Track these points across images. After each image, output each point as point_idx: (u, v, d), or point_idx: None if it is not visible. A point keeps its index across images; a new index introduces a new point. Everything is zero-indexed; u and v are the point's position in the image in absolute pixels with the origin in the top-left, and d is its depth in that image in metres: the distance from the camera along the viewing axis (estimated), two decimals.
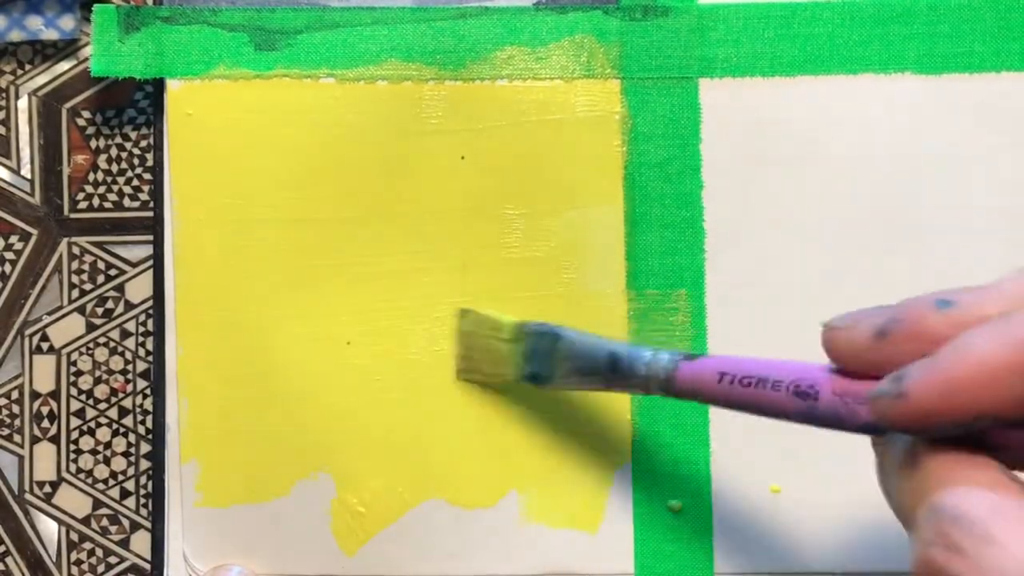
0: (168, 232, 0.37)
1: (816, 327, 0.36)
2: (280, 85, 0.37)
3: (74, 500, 0.37)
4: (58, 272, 0.38)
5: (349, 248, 0.36)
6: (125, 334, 0.38)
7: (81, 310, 0.38)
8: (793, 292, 0.36)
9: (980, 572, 0.19)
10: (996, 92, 0.36)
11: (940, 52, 0.36)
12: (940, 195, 0.36)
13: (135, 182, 0.38)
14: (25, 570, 0.37)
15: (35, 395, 0.38)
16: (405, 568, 0.36)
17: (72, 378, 0.38)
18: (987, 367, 0.20)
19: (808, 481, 0.35)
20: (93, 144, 0.38)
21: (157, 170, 0.37)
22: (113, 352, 0.38)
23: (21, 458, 0.38)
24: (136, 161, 0.38)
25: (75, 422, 0.37)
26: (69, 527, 0.37)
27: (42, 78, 0.38)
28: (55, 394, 0.38)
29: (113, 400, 0.37)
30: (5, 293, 0.38)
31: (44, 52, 0.38)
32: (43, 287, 0.38)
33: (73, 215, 0.38)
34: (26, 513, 0.37)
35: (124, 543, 0.37)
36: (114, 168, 0.38)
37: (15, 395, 0.38)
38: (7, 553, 0.37)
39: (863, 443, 0.35)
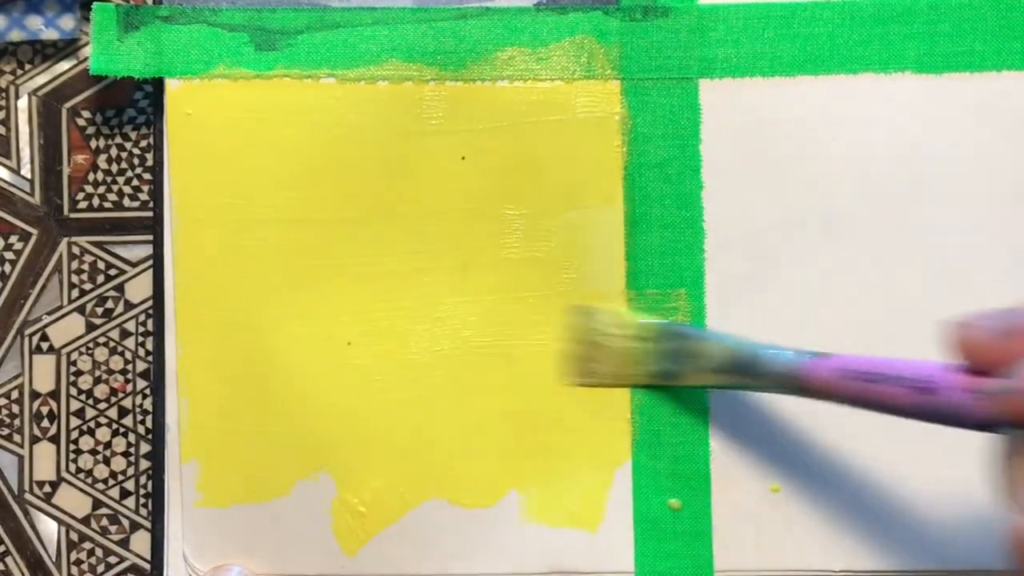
0: (168, 232, 0.37)
1: (816, 326, 0.36)
2: (280, 85, 0.37)
3: (74, 500, 0.37)
4: (58, 272, 0.38)
5: (349, 248, 0.36)
6: (125, 334, 0.38)
7: (81, 310, 0.38)
8: (793, 292, 0.36)
9: None
10: (997, 91, 0.36)
11: (940, 51, 0.36)
12: (940, 194, 0.36)
13: (135, 182, 0.38)
14: (25, 570, 0.37)
15: (35, 395, 0.38)
16: (405, 568, 0.36)
17: (72, 378, 0.38)
18: None
19: (808, 481, 0.35)
20: (93, 144, 0.38)
21: (157, 170, 0.37)
22: (113, 352, 0.38)
23: (21, 458, 0.38)
24: (136, 161, 0.38)
25: (75, 422, 0.37)
26: (69, 527, 0.37)
27: (42, 78, 0.38)
28: (55, 394, 0.38)
29: (113, 400, 0.37)
30: (5, 293, 0.38)
31: (44, 52, 0.38)
32: (43, 287, 0.38)
33: (73, 215, 0.38)
34: (26, 513, 0.37)
35: (124, 543, 0.37)
36: (114, 168, 0.38)
37: (15, 395, 0.38)
38: (7, 553, 0.37)
39: (863, 443, 0.35)
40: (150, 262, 0.37)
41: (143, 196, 0.38)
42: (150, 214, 0.38)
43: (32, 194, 0.38)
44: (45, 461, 0.37)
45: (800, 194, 0.36)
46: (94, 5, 0.36)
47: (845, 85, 0.36)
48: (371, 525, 0.36)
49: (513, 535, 0.36)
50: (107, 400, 0.37)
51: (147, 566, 0.37)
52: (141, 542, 0.37)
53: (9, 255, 0.38)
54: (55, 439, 0.37)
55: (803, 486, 0.35)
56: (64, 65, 0.38)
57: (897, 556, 0.35)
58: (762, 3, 0.37)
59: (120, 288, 0.38)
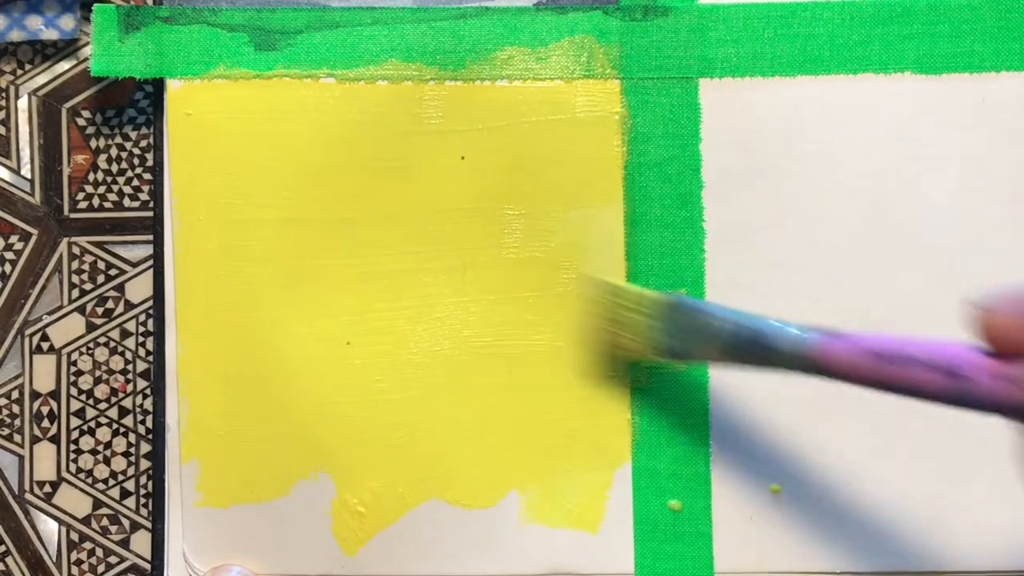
0: (168, 232, 0.37)
1: (812, 322, 0.36)
2: (280, 85, 0.37)
3: (74, 500, 0.37)
4: (58, 272, 0.38)
5: (349, 248, 0.36)
6: (125, 334, 0.38)
7: (81, 310, 0.38)
8: (793, 291, 0.36)
9: None
10: (996, 91, 0.36)
11: (940, 52, 0.36)
12: (940, 194, 0.36)
13: (135, 182, 0.38)
14: (25, 570, 0.37)
15: (35, 395, 0.38)
16: (405, 568, 0.36)
17: (72, 378, 0.38)
18: None
19: (808, 481, 0.35)
20: (93, 144, 0.38)
21: (157, 170, 0.37)
22: (113, 352, 0.38)
23: (21, 458, 0.38)
24: (136, 161, 0.38)
25: (75, 422, 0.37)
26: (69, 527, 0.37)
27: (42, 78, 0.38)
28: (55, 394, 0.38)
29: (113, 400, 0.37)
30: (5, 293, 0.38)
31: (44, 52, 0.38)
32: (43, 287, 0.38)
33: (73, 215, 0.38)
34: (26, 513, 0.37)
35: (124, 543, 0.37)
36: (114, 168, 0.38)
37: (15, 395, 0.38)
38: (7, 553, 0.37)
39: (864, 443, 0.35)
40: (150, 262, 0.37)
41: (143, 196, 0.38)
42: (150, 214, 0.38)
43: (32, 194, 0.38)
44: (45, 461, 0.37)
45: (800, 194, 0.36)
46: (95, 6, 0.36)
47: (845, 85, 0.36)
48: (371, 525, 0.36)
49: (513, 535, 0.36)
50: (107, 400, 0.37)
51: (147, 566, 0.37)
52: (141, 542, 0.37)
53: (9, 255, 0.38)
54: (55, 439, 0.37)
55: (803, 486, 0.35)
56: (64, 65, 0.38)
57: (897, 556, 0.35)
58: (762, 3, 0.37)
59: (120, 288, 0.38)
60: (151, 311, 0.37)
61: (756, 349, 0.30)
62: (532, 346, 0.36)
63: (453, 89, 0.37)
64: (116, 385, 0.38)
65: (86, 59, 0.38)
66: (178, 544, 0.36)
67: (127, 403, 0.37)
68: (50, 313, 0.38)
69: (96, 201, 0.38)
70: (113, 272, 0.38)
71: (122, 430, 0.37)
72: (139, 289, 0.38)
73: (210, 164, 0.36)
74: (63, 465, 0.37)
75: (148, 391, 0.37)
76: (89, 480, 0.37)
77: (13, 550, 0.37)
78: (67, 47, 0.38)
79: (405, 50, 0.37)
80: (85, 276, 0.38)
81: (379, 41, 0.37)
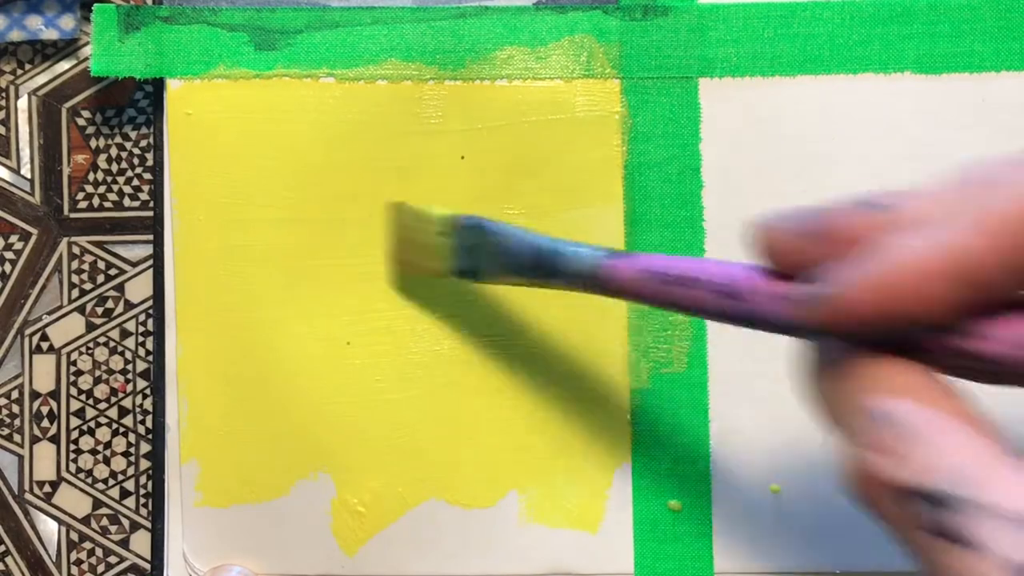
0: (168, 232, 0.37)
1: None
2: (280, 85, 0.37)
3: (74, 500, 0.37)
4: (58, 272, 0.38)
5: (349, 248, 0.36)
6: (125, 334, 0.38)
7: (81, 310, 0.38)
8: None
9: (912, 472, 0.19)
10: (997, 91, 0.36)
11: (940, 52, 0.36)
12: None
13: (135, 182, 0.38)
14: (25, 570, 0.37)
15: (35, 395, 0.38)
16: (405, 568, 0.36)
17: (72, 378, 0.38)
18: (917, 271, 0.20)
19: (808, 481, 0.35)
20: (93, 144, 0.38)
21: (157, 170, 0.37)
22: (113, 352, 0.38)
23: (21, 458, 0.38)
24: (136, 161, 0.38)
25: (75, 422, 0.37)
26: (69, 527, 0.37)
27: (42, 78, 0.38)
28: (55, 394, 0.38)
29: (113, 400, 0.37)
30: (5, 293, 0.38)
31: (44, 52, 0.38)
32: (43, 287, 0.38)
33: (73, 215, 0.38)
34: (26, 513, 0.37)
35: (124, 543, 0.37)
36: (114, 168, 0.38)
37: (15, 395, 0.38)
38: (7, 553, 0.37)
39: None
40: (150, 262, 0.37)
41: (143, 196, 0.38)
42: (150, 214, 0.38)
43: (32, 194, 0.38)
44: (45, 461, 0.37)
45: (800, 194, 0.36)
46: (95, 6, 0.36)
47: (845, 85, 0.36)
48: (371, 525, 0.36)
49: (513, 535, 0.36)
50: (107, 400, 0.37)
51: (147, 566, 0.37)
52: (141, 542, 0.37)
53: (9, 255, 0.38)
54: (55, 439, 0.37)
55: (803, 486, 0.35)
56: (64, 65, 0.38)
57: (897, 556, 0.35)
58: (762, 3, 0.37)
59: (120, 288, 0.38)
60: (151, 311, 0.37)
61: (548, 269, 0.30)
62: (532, 346, 0.36)
63: (453, 89, 0.37)
64: (116, 385, 0.38)
65: (86, 59, 0.38)
66: (178, 544, 0.36)
67: (127, 403, 0.38)
68: (50, 313, 0.38)
69: (96, 201, 0.38)
70: (113, 272, 0.38)
71: (122, 430, 0.37)
72: (139, 289, 0.38)
73: (210, 164, 0.36)
74: (63, 465, 0.37)
75: (148, 391, 0.37)
76: (89, 480, 0.37)
77: (13, 550, 0.37)
78: (67, 47, 0.38)
79: (405, 50, 0.37)
80: (85, 276, 0.38)
81: (379, 41, 0.37)
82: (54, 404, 0.38)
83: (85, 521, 0.37)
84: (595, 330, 0.36)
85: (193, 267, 0.36)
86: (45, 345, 0.38)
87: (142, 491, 0.37)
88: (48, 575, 0.37)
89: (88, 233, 0.38)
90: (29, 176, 0.38)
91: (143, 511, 0.37)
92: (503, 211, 0.36)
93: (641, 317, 0.36)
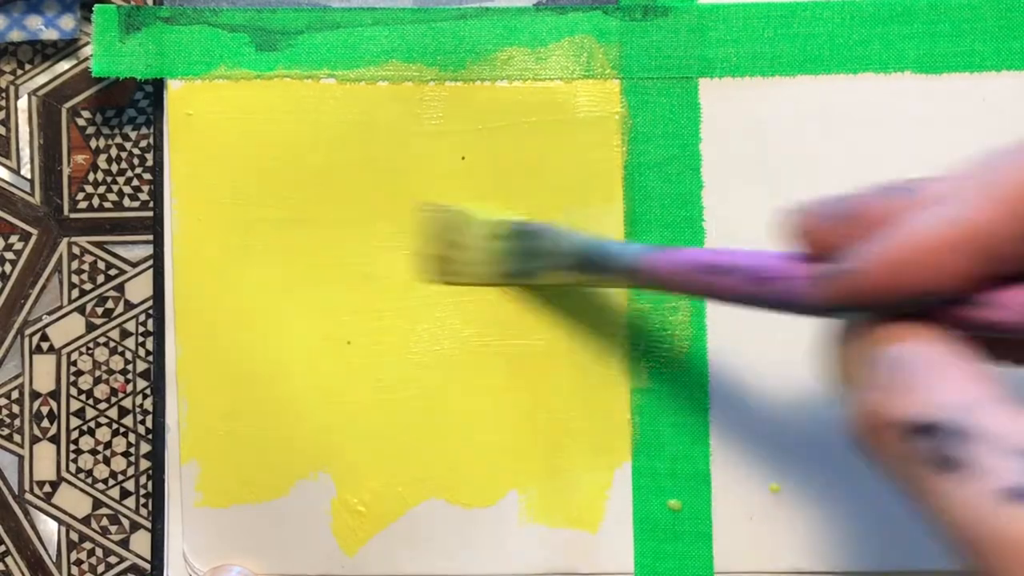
0: (168, 232, 0.37)
1: (817, 324, 0.36)
2: (281, 85, 0.37)
3: (74, 500, 0.37)
4: (58, 272, 0.38)
5: (349, 248, 0.36)
6: (125, 334, 0.38)
7: (81, 310, 0.38)
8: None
9: (917, 406, 0.20)
10: (996, 91, 0.36)
11: (940, 51, 0.36)
12: None
13: (135, 182, 0.38)
14: (25, 570, 0.37)
15: (35, 395, 0.38)
16: (405, 568, 0.36)
17: (72, 378, 0.38)
18: (934, 244, 0.21)
19: (808, 481, 0.35)
20: (93, 144, 0.38)
21: (157, 170, 0.37)
22: (113, 352, 0.38)
23: (21, 458, 0.38)
24: (136, 161, 0.38)
25: (75, 422, 0.37)
26: (69, 527, 0.37)
27: (42, 78, 0.38)
28: (55, 394, 0.38)
29: (113, 400, 0.37)
30: (5, 293, 0.38)
31: (44, 52, 0.38)
32: (43, 287, 0.38)
33: (73, 215, 0.38)
34: (26, 513, 0.37)
35: (124, 543, 0.37)
36: (114, 168, 0.38)
37: (15, 395, 0.38)
38: (7, 553, 0.37)
39: None
40: (150, 262, 0.37)
41: (143, 196, 0.38)
42: (150, 214, 0.38)
43: (32, 194, 0.38)
44: (45, 461, 0.37)
45: (800, 194, 0.36)
46: (95, 7, 0.36)
47: (845, 85, 0.36)
48: (371, 525, 0.36)
49: (513, 535, 0.36)
50: (107, 400, 0.37)
51: (147, 566, 0.37)
52: (141, 542, 0.37)
53: (9, 255, 0.38)
54: (55, 439, 0.37)
55: (803, 486, 0.35)
56: (64, 65, 0.38)
57: (897, 556, 0.35)
58: (762, 3, 0.37)
59: (120, 288, 0.38)
60: (151, 311, 0.37)
61: (594, 266, 0.32)
62: (532, 346, 0.36)
63: (453, 90, 0.37)
64: (116, 385, 0.38)
65: (86, 59, 0.38)
66: (178, 544, 0.36)
67: (127, 403, 0.38)
68: (50, 313, 0.38)
69: (96, 201, 0.38)
70: (113, 272, 0.38)
71: (122, 430, 0.37)
72: (139, 289, 0.38)
73: (210, 164, 0.36)
74: (63, 465, 0.37)
75: (148, 391, 0.37)
76: (89, 480, 0.37)
77: (13, 550, 0.37)
78: (67, 47, 0.38)
79: (406, 51, 0.37)
80: (85, 276, 0.38)
81: (380, 42, 0.37)
82: (54, 404, 0.38)
83: (85, 521, 0.37)
84: (595, 330, 0.36)
85: (193, 267, 0.36)
86: (45, 345, 0.38)
87: (142, 491, 0.37)
88: (48, 575, 0.37)
89: (88, 233, 0.38)
90: (29, 176, 0.38)
91: (143, 511, 0.37)
92: (503, 211, 0.36)
93: (641, 317, 0.36)
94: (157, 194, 0.37)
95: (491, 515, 0.36)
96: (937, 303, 0.22)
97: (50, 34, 0.38)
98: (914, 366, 0.21)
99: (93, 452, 0.37)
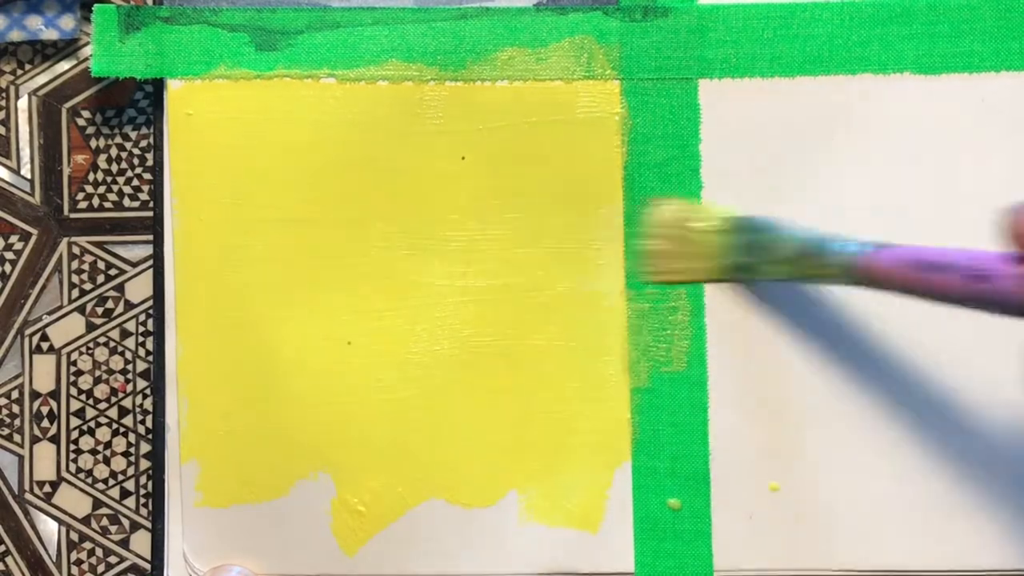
0: (168, 232, 0.37)
1: (816, 324, 0.36)
2: (281, 85, 0.37)
3: (74, 500, 0.37)
4: (58, 272, 0.38)
5: (349, 248, 0.36)
6: (125, 334, 0.38)
7: (81, 310, 0.38)
8: (793, 291, 0.36)
9: None
10: (996, 91, 0.36)
11: (939, 52, 0.36)
12: (939, 194, 0.36)
13: (135, 182, 0.38)
14: (25, 570, 0.37)
15: (35, 395, 0.38)
16: (405, 568, 0.36)
17: (72, 378, 0.38)
18: None
19: (808, 480, 0.35)
20: (93, 144, 0.38)
21: (157, 170, 0.37)
22: (113, 352, 0.38)
23: (21, 458, 0.37)
24: (136, 161, 0.38)
25: (75, 422, 0.37)
26: (69, 527, 0.37)
27: (42, 78, 0.38)
28: (55, 394, 0.38)
29: (113, 400, 0.37)
30: (5, 293, 0.38)
31: (44, 52, 0.38)
32: (43, 287, 0.38)
33: (73, 215, 0.38)
34: (26, 513, 0.37)
35: (124, 543, 0.37)
36: (114, 168, 0.38)
37: (15, 395, 0.38)
38: (7, 553, 0.37)
39: (863, 442, 0.35)
40: (150, 262, 0.37)
41: (143, 196, 0.38)
42: (150, 214, 0.38)
43: (32, 194, 0.38)
44: (45, 461, 0.37)
45: (799, 194, 0.36)
46: (95, 7, 0.36)
47: (845, 85, 0.36)
48: (371, 525, 0.36)
49: (513, 535, 0.36)
50: (107, 400, 0.37)
51: (147, 566, 0.37)
52: (141, 542, 0.37)
53: (9, 255, 0.38)
54: (55, 439, 0.37)
55: (803, 485, 0.35)
56: (64, 65, 0.38)
57: (897, 556, 0.35)
58: (762, 3, 0.37)
59: (120, 288, 0.38)
60: (151, 311, 0.37)
61: (812, 262, 0.33)
62: (532, 346, 0.36)
63: (453, 90, 0.37)
64: (116, 385, 0.38)
65: (86, 59, 0.38)
66: (178, 544, 0.36)
67: (127, 403, 0.37)
68: (50, 313, 0.38)
69: (96, 201, 0.38)
70: (113, 272, 0.38)
71: (122, 430, 0.37)
72: (139, 289, 0.38)
73: (210, 164, 0.36)
74: (63, 465, 0.37)
75: (148, 391, 0.37)
76: (89, 480, 0.37)
77: (13, 550, 0.37)
78: (67, 47, 0.38)
79: (406, 50, 0.37)
80: (85, 276, 0.38)
81: (380, 41, 0.37)
82: (54, 404, 0.38)
83: (85, 521, 0.37)
84: (595, 330, 0.36)
85: (193, 267, 0.36)
86: (45, 345, 0.38)
87: (142, 491, 0.37)
88: (48, 575, 0.37)
89: (88, 233, 0.38)
90: (29, 176, 0.38)
91: (143, 511, 0.37)
92: (503, 211, 0.36)
93: (641, 317, 0.36)
94: (157, 194, 0.37)
95: (491, 515, 0.36)
96: None
97: (50, 34, 0.37)
98: None
99: (93, 452, 0.37)
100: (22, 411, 0.37)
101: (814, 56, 0.36)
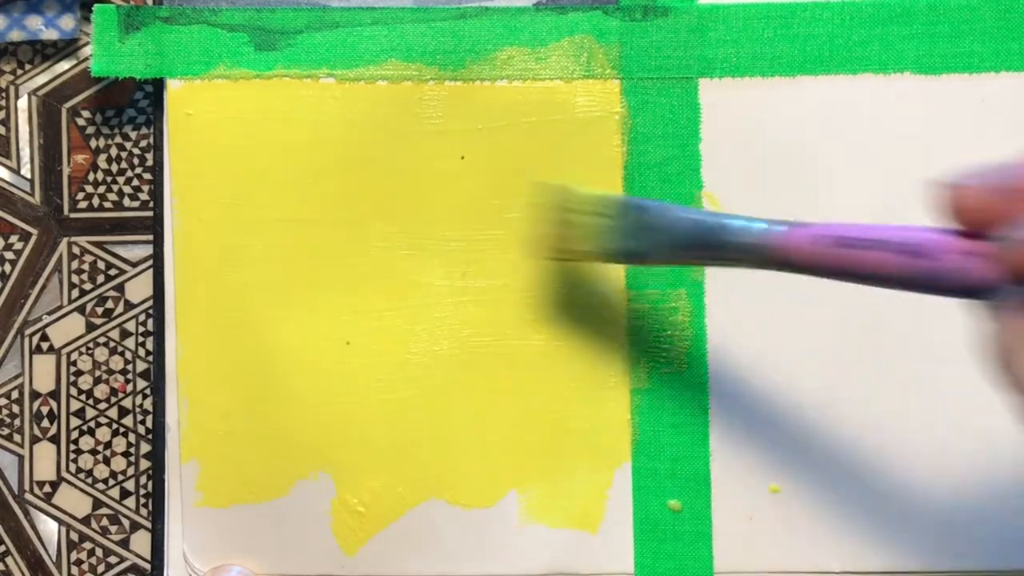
0: (168, 232, 0.37)
1: (815, 325, 0.36)
2: (280, 85, 0.37)
3: (74, 500, 0.37)
4: (58, 272, 0.38)
5: (349, 248, 0.36)
6: (125, 334, 0.38)
7: (81, 310, 0.38)
8: (793, 291, 0.36)
9: None
10: (996, 92, 0.36)
11: (939, 52, 0.36)
12: None
13: (135, 182, 0.38)
14: (25, 570, 0.37)
15: (35, 395, 0.38)
16: (405, 568, 0.36)
17: (72, 378, 0.38)
18: None
19: (808, 481, 0.35)
20: (93, 144, 0.38)
21: (157, 170, 0.37)
22: (113, 352, 0.38)
23: (21, 458, 0.38)
24: (136, 161, 0.38)
25: (75, 422, 0.37)
26: (69, 527, 0.37)
27: (42, 78, 0.38)
28: (55, 394, 0.38)
29: (113, 400, 0.37)
30: (5, 293, 0.38)
31: (44, 52, 0.38)
32: (43, 287, 0.38)
33: (73, 215, 0.38)
34: (26, 513, 0.37)
35: (124, 543, 0.37)
36: (114, 168, 0.38)
37: (15, 395, 0.38)
38: (7, 553, 0.37)
39: (864, 442, 0.35)
40: (150, 262, 0.37)
41: (143, 196, 0.38)
42: (150, 214, 0.38)
43: (32, 194, 0.38)
44: (45, 461, 0.37)
45: (799, 194, 0.36)
46: (95, 7, 0.36)
47: (845, 85, 0.36)
48: (370, 525, 0.36)
49: (513, 535, 0.36)
50: (107, 400, 0.37)
51: (147, 566, 0.37)
52: (141, 542, 0.37)
53: (9, 255, 0.38)
54: (55, 439, 0.37)
55: (803, 486, 0.35)
56: (64, 65, 0.38)
57: (897, 556, 0.35)
58: (762, 3, 0.37)
59: (120, 288, 0.38)
60: (151, 311, 0.37)
61: (713, 244, 0.30)
62: (532, 346, 0.36)
63: (453, 89, 0.37)
64: (116, 385, 0.38)
65: (86, 59, 0.38)
66: (178, 544, 0.36)
67: (127, 403, 0.38)
68: (50, 313, 0.38)
69: (96, 201, 0.38)
70: (113, 272, 0.38)
71: (122, 430, 0.37)
72: (139, 289, 0.38)
73: (210, 164, 0.36)
74: (63, 465, 0.37)
75: (148, 391, 0.37)
76: (89, 480, 0.37)
77: (13, 550, 0.37)
78: (67, 47, 0.38)
79: (405, 50, 0.37)
80: (85, 276, 0.38)
81: (379, 41, 0.37)
82: (54, 404, 0.38)
83: (85, 521, 0.37)
84: (595, 330, 0.36)
85: (193, 267, 0.36)
86: (45, 345, 0.38)
87: (142, 491, 0.37)
88: (48, 575, 0.37)
89: (88, 233, 0.38)
90: (29, 176, 0.38)
91: (143, 511, 0.37)
92: (503, 211, 0.36)
93: (641, 317, 0.36)
94: (157, 194, 0.37)
95: (491, 515, 0.36)
96: None
97: (50, 34, 0.38)
98: None
99: (93, 452, 0.37)
100: (22, 411, 0.37)
101: (814, 56, 0.36)
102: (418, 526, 0.36)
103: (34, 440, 0.38)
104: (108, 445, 0.37)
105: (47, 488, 0.37)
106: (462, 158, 0.36)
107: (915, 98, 0.36)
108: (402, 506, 0.36)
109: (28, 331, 0.38)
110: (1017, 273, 0.21)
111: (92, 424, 0.37)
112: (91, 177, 0.38)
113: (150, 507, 0.37)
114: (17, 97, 0.38)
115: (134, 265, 0.38)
